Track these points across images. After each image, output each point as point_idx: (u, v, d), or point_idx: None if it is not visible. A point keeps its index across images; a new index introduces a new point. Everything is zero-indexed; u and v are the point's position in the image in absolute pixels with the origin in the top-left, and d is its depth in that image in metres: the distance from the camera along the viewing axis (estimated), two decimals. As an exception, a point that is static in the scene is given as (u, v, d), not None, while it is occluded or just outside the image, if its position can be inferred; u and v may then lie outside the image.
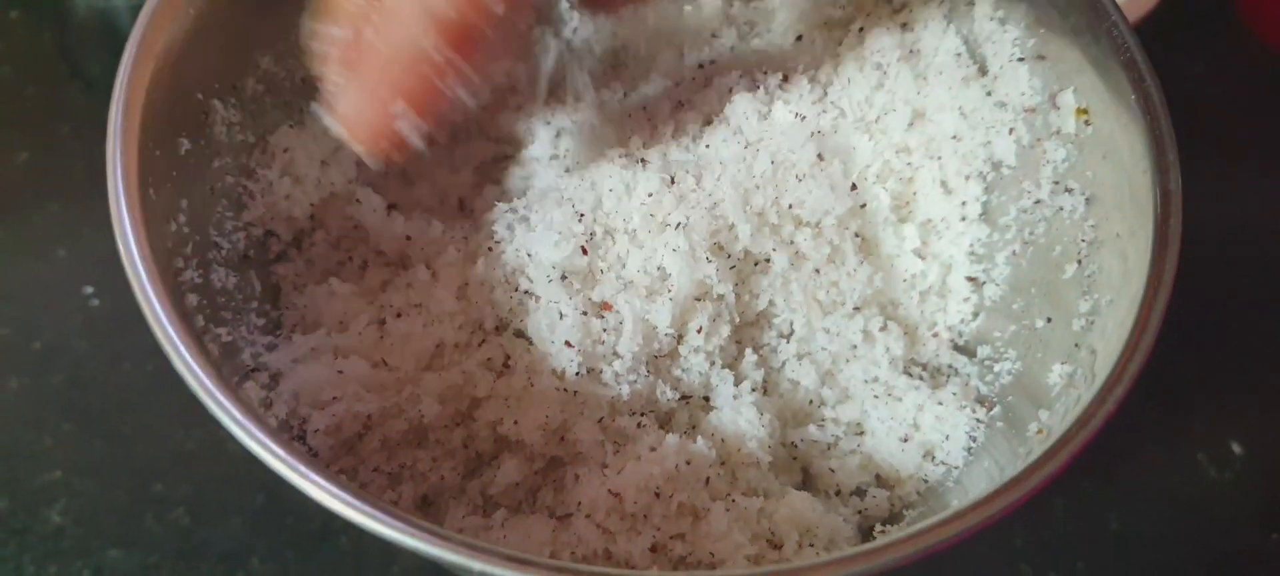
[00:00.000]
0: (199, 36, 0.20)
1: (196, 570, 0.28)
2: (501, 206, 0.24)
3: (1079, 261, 0.21)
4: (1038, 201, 0.23)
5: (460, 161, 0.26)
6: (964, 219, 0.24)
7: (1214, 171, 0.37)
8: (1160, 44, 0.38)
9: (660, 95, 0.25)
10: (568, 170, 0.24)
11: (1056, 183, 0.22)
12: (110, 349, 0.30)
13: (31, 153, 0.34)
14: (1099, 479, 0.30)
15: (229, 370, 0.17)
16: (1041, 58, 0.23)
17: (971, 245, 0.25)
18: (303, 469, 0.15)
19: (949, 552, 0.29)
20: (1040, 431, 0.18)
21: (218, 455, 0.29)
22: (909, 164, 0.25)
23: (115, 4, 0.38)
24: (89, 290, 0.31)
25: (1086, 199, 0.22)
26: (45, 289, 0.31)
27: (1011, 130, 0.23)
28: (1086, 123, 0.22)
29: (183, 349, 0.15)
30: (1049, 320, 0.21)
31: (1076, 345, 0.19)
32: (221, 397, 0.15)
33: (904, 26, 0.25)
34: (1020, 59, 0.23)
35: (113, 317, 0.31)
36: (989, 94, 0.24)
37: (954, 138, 0.24)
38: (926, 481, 0.21)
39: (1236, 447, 0.31)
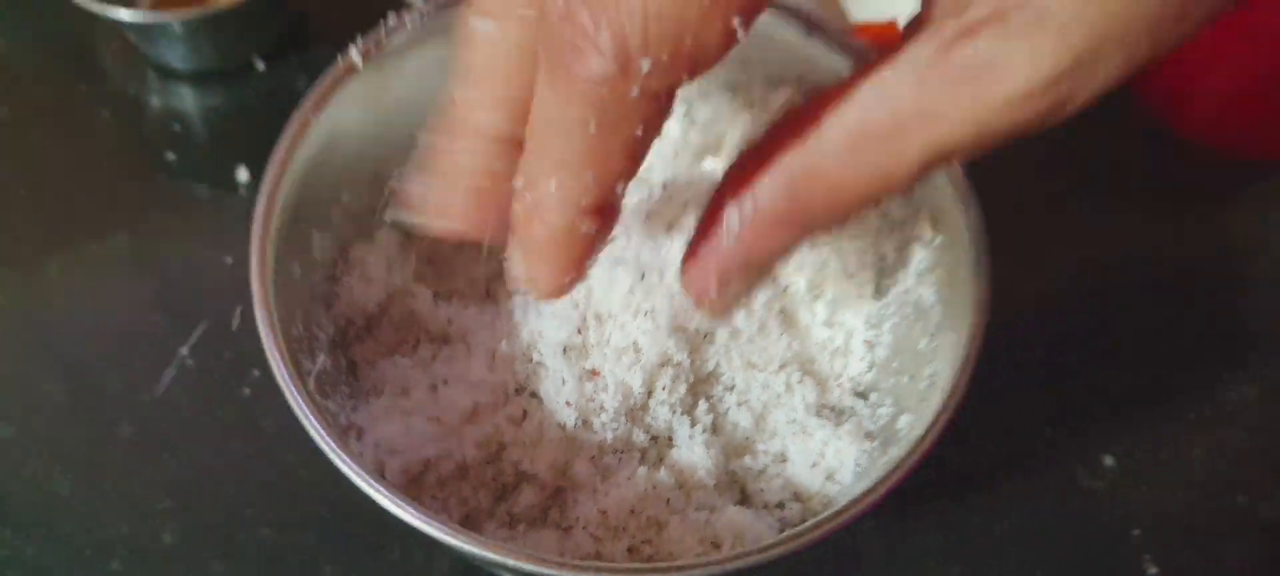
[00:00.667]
0: (305, 188, 0.27)
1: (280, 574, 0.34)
2: (518, 296, 0.31)
3: (930, 336, 0.29)
4: (907, 289, 0.31)
5: (487, 258, 0.33)
6: (860, 297, 0.32)
7: (1103, 230, 0.42)
8: (1065, 130, 0.45)
9: (631, 208, 0.33)
10: (566, 267, 0.32)
11: (918, 276, 0.30)
12: (205, 403, 0.36)
13: (130, 236, 0.39)
14: (992, 492, 0.36)
15: (336, 431, 0.25)
16: (911, 184, 0.31)
17: (867, 317, 0.32)
18: (402, 502, 0.22)
19: (872, 553, 0.35)
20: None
21: (293, 484, 0.34)
22: (819, 257, 0.32)
23: (187, 107, 0.45)
24: (184, 351, 0.36)
25: (935, 290, 0.29)
26: (148, 353, 0.37)
27: (891, 234, 0.31)
28: (934, 234, 0.30)
29: (316, 423, 0.23)
30: (910, 378, 0.29)
31: (921, 400, 0.27)
32: (345, 458, 0.23)
33: (816, 156, 0.33)
34: (895, 184, 0.31)
35: (205, 378, 0.36)
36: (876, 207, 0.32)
37: (852, 238, 0.32)
38: (827, 496, 0.29)
39: (1108, 460, 0.36)
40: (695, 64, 0.16)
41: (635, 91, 0.16)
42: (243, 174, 0.42)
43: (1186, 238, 0.43)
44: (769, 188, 0.19)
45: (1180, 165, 0.44)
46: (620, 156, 0.18)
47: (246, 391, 0.36)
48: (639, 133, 0.17)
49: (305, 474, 0.35)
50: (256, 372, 0.37)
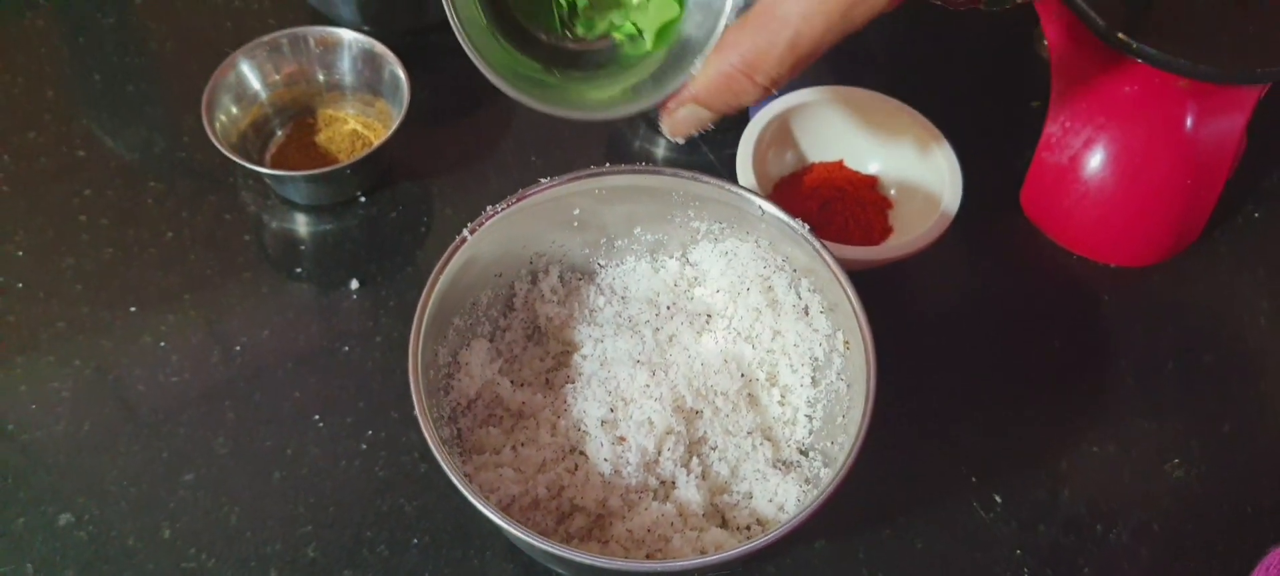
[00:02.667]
0: (434, 321, 0.41)
1: (392, 579, 0.46)
2: (569, 386, 0.43)
3: (842, 416, 0.40)
4: (830, 382, 0.43)
5: (546, 355, 0.47)
6: (802, 385, 0.44)
7: (995, 323, 0.53)
8: (963, 246, 0.57)
9: (645, 323, 0.47)
10: (602, 364, 0.45)
11: (838, 375, 0.42)
12: (331, 456, 0.46)
13: (271, 332, 0.49)
14: (911, 522, 0.45)
15: (458, 476, 0.38)
16: (833, 309, 0.44)
17: (807, 399, 0.45)
18: (506, 520, 0.36)
19: (823, 567, 0.45)
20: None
21: (400, 515, 0.44)
22: (772, 359, 0.46)
23: (307, 232, 0.57)
24: (316, 417, 0.47)
25: (847, 386, 0.40)
26: (290, 418, 0.47)
27: (821, 344, 0.45)
28: (847, 347, 0.44)
29: (452, 474, 0.36)
30: (832, 442, 0.43)
31: (836, 459, 0.40)
32: (473, 493, 0.36)
33: (769, 288, 0.47)
34: (821, 310, 0.44)
35: (333, 438, 0.46)
36: (810, 325, 0.44)
37: (795, 345, 0.45)
38: (778, 522, 0.40)
39: (998, 498, 0.46)
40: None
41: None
42: (354, 283, 0.55)
43: (1058, 326, 0.52)
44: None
45: (1057, 267, 0.54)
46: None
47: (363, 447, 0.46)
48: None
49: (409, 508, 0.45)
50: (370, 432, 0.49)
